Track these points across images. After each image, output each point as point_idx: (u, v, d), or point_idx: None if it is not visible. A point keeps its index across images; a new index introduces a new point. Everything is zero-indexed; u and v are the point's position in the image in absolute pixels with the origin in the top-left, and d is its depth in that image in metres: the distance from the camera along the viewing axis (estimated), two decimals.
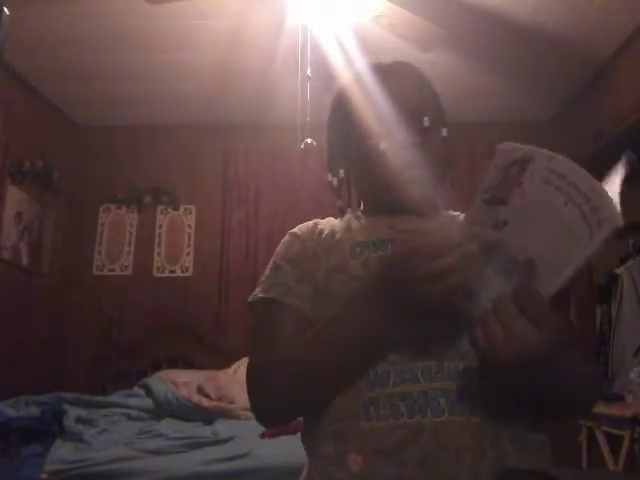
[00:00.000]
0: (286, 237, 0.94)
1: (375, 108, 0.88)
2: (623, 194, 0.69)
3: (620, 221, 0.60)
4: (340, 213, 0.99)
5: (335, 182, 0.98)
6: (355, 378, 0.76)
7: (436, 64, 3.09)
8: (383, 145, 0.86)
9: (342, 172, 0.97)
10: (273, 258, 0.92)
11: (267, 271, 0.91)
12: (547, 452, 0.77)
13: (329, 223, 0.94)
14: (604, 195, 0.62)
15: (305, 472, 0.83)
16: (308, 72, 2.51)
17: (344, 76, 1.00)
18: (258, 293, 0.88)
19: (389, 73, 0.93)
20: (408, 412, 0.72)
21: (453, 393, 0.72)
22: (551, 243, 0.64)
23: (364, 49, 2.55)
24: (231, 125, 3.96)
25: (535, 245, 0.65)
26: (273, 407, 0.83)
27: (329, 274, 0.85)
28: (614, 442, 2.63)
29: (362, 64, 0.97)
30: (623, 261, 3.27)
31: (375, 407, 0.74)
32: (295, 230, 0.94)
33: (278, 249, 0.93)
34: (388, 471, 0.70)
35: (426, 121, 0.87)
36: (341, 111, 0.96)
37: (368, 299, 0.74)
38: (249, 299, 0.89)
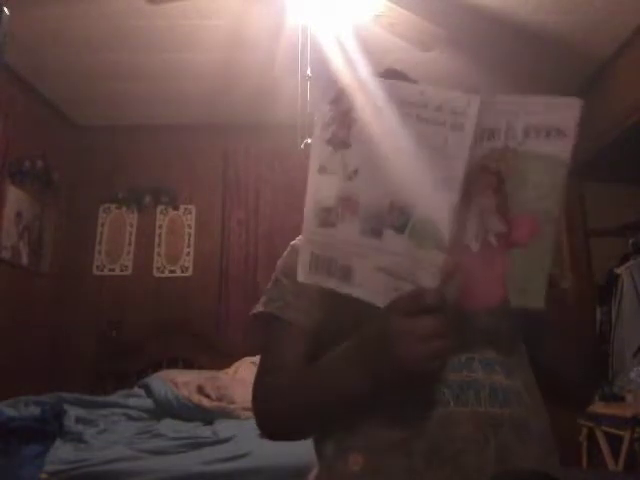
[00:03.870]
0: (287, 250, 0.96)
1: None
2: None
3: (472, 96, 0.59)
4: None
5: None
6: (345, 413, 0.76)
7: (436, 64, 3.09)
8: None
9: None
10: (275, 272, 0.94)
11: (269, 284, 0.93)
12: (549, 441, 0.78)
13: None
14: (438, 91, 0.60)
15: (315, 472, 0.84)
16: (308, 72, 2.51)
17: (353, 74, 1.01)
18: (259, 306, 0.90)
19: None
20: (414, 404, 0.73)
21: (456, 384, 0.74)
22: (409, 172, 0.61)
23: (364, 49, 2.55)
24: (231, 125, 3.96)
25: (392, 185, 0.62)
26: (270, 431, 0.86)
27: None
28: (614, 442, 2.63)
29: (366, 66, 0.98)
30: (623, 261, 3.27)
31: (380, 401, 0.74)
32: (296, 242, 0.95)
33: (279, 262, 0.95)
34: (397, 462, 0.72)
35: None
36: None
37: (351, 361, 0.71)
38: (252, 311, 0.92)
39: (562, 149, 0.60)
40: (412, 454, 0.71)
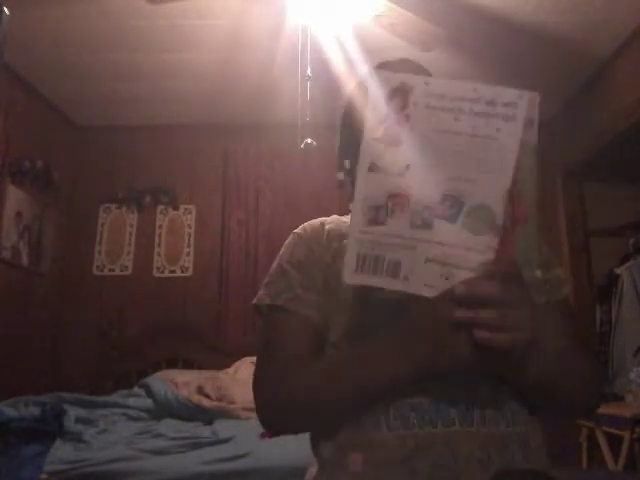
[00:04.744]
0: (290, 237, 0.93)
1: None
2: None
3: (522, 91, 0.63)
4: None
5: (342, 176, 0.97)
6: (365, 410, 0.75)
7: (436, 64, 3.09)
8: None
9: (348, 163, 0.96)
10: (278, 260, 0.90)
11: (273, 274, 0.89)
12: (546, 457, 0.77)
13: (335, 223, 0.92)
14: (489, 87, 0.63)
15: (313, 473, 0.83)
16: (308, 72, 2.51)
17: (354, 73, 1.01)
18: (266, 298, 0.87)
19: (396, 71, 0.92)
20: (419, 423, 0.72)
21: (463, 403, 0.73)
22: (462, 164, 0.64)
23: (364, 49, 2.55)
24: (231, 125, 3.96)
25: (445, 177, 0.65)
26: (278, 424, 0.84)
27: (337, 279, 0.82)
28: (614, 442, 2.63)
29: (371, 63, 0.96)
30: (623, 261, 3.27)
31: (385, 417, 0.73)
32: (299, 231, 0.92)
33: (282, 250, 0.91)
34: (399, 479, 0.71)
35: None
36: (352, 109, 0.96)
37: (394, 348, 0.72)
38: (255, 301, 0.88)
39: (533, 137, 0.66)
40: (415, 473, 0.70)
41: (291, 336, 0.83)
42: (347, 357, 0.78)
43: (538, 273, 0.68)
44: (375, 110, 0.66)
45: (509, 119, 0.63)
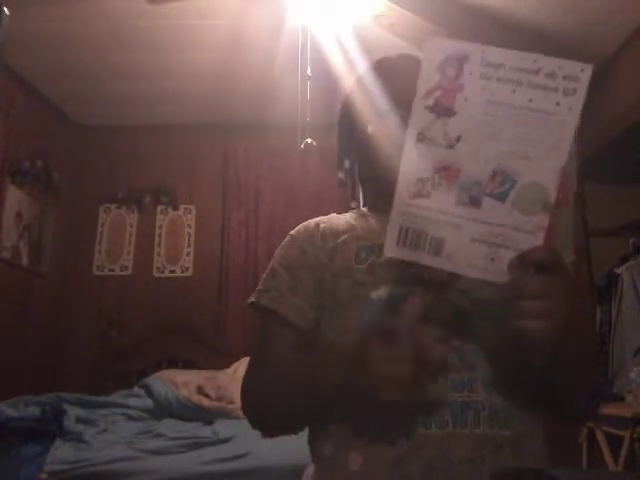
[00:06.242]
0: (286, 239, 0.93)
1: (380, 104, 0.87)
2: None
3: (585, 64, 0.60)
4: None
5: (342, 175, 0.97)
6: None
7: None
8: (386, 140, 0.85)
9: (347, 162, 0.96)
10: (272, 261, 0.91)
11: (265, 274, 0.91)
12: (544, 459, 0.77)
13: (331, 222, 0.92)
14: (550, 59, 0.62)
15: (310, 473, 0.83)
16: (308, 72, 2.51)
17: (354, 73, 1.00)
18: (252, 296, 0.89)
19: (395, 67, 0.91)
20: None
21: (457, 405, 0.72)
22: (517, 138, 0.62)
23: (364, 49, 2.54)
24: (231, 125, 3.96)
25: (497, 152, 0.62)
26: (256, 423, 0.87)
27: (334, 278, 0.83)
28: (614, 442, 2.63)
29: (370, 61, 0.95)
30: (623, 261, 3.27)
31: (380, 418, 0.73)
32: (293, 232, 0.93)
33: (277, 251, 0.92)
34: None
35: None
36: (350, 106, 0.95)
37: (326, 364, 0.75)
38: (248, 300, 0.90)
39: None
40: (408, 476, 0.70)
41: (272, 337, 0.85)
42: (294, 364, 0.82)
43: (573, 257, 0.67)
44: (427, 78, 0.62)
45: (569, 93, 0.61)
